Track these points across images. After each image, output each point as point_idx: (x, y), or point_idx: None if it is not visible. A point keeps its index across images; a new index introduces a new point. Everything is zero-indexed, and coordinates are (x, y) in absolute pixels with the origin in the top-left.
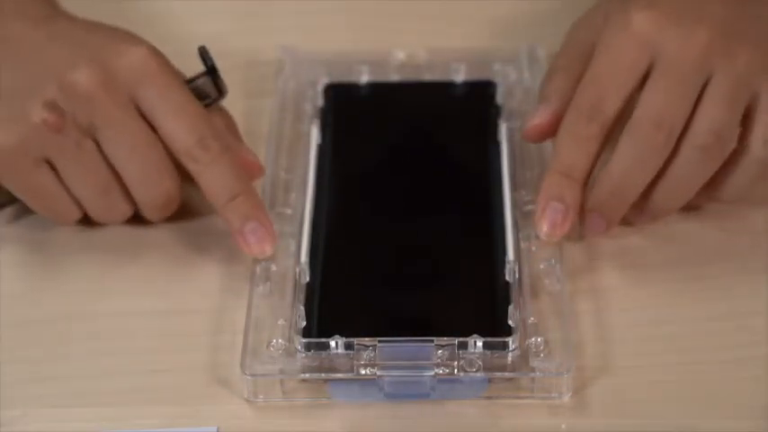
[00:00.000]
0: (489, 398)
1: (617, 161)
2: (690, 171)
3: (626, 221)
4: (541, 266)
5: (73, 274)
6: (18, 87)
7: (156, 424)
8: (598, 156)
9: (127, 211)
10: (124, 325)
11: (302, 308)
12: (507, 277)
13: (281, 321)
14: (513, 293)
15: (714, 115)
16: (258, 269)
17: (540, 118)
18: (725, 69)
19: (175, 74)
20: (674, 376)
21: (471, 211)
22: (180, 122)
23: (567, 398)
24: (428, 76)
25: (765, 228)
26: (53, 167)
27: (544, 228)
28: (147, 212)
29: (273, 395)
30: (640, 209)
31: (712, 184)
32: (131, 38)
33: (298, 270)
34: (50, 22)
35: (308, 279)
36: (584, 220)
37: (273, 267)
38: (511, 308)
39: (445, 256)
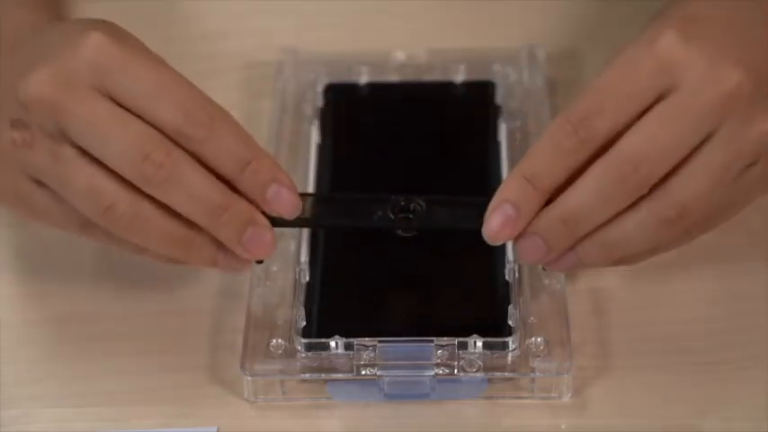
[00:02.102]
0: (489, 398)
1: (578, 190)
2: (637, 234)
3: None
4: (541, 266)
5: (73, 274)
6: None
7: (156, 424)
8: (573, 172)
9: (129, 202)
10: (124, 325)
11: (302, 308)
12: (507, 277)
13: (281, 321)
14: (513, 293)
15: (693, 189)
16: (258, 269)
17: None
18: (734, 130)
19: (139, 51)
20: (674, 376)
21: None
22: (159, 102)
23: (567, 398)
24: (428, 77)
25: (764, 228)
26: (41, 182)
27: (491, 228)
28: (151, 191)
29: (273, 395)
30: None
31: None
32: (84, 28)
33: (298, 270)
34: (26, 32)
35: (308, 279)
36: (523, 238)
37: (273, 267)
38: (511, 308)
39: (445, 256)
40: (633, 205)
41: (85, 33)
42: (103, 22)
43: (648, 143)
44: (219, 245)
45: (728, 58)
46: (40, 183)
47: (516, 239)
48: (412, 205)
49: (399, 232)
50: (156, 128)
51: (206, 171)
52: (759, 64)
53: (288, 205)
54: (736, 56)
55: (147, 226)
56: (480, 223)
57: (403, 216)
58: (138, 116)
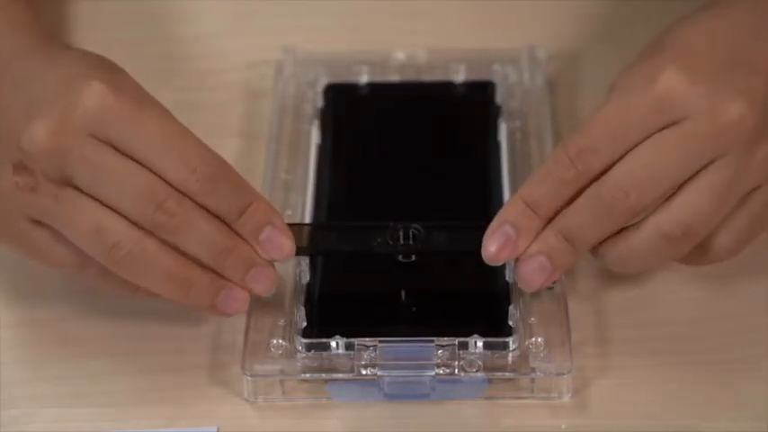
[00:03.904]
0: (489, 398)
1: (574, 210)
2: (643, 250)
3: None
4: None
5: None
6: None
7: (156, 424)
8: (571, 198)
9: (137, 240)
10: (124, 325)
11: (302, 308)
12: (507, 277)
13: (281, 321)
14: (513, 293)
15: (696, 207)
16: None
17: None
18: (737, 157)
19: (140, 102)
20: (674, 376)
21: (471, 211)
22: (163, 157)
23: (567, 398)
24: (428, 77)
25: None
26: (45, 224)
27: (490, 249)
28: (161, 234)
29: (273, 395)
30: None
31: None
32: (84, 75)
33: (298, 270)
34: (21, 60)
35: (308, 279)
36: (526, 262)
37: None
38: (511, 308)
39: (445, 257)
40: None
41: (86, 82)
42: (100, 62)
43: (642, 170)
44: (218, 290)
45: (729, 90)
46: (39, 223)
47: (518, 266)
48: (411, 231)
49: (399, 258)
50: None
51: (212, 217)
52: (762, 92)
53: (278, 249)
54: (737, 88)
55: (151, 265)
56: (479, 246)
57: (403, 243)
58: (144, 165)
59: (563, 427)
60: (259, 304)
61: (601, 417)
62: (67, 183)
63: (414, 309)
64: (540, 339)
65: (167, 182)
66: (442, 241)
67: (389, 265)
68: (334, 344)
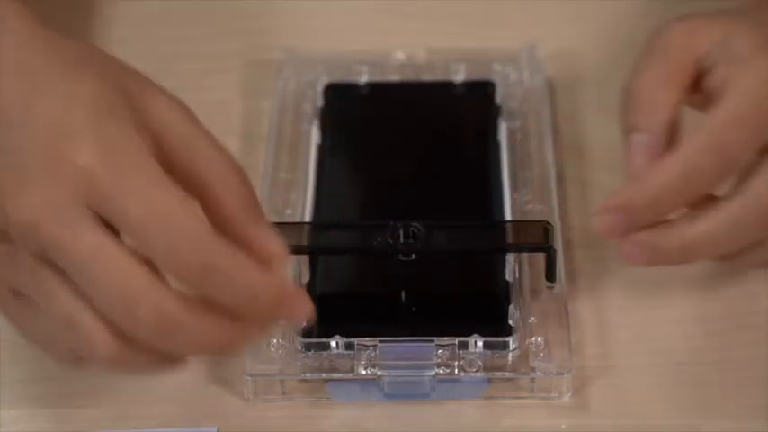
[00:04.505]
0: (489, 398)
1: (709, 222)
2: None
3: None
4: (541, 266)
5: None
6: None
7: (156, 424)
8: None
9: (108, 345)
10: None
11: None
12: (507, 277)
13: (281, 321)
14: (513, 293)
15: None
16: None
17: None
18: None
19: (132, 176)
20: (675, 376)
21: (471, 210)
22: (148, 239)
23: (567, 398)
24: (428, 76)
25: None
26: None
27: (602, 223)
28: (140, 339)
29: (273, 395)
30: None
31: None
32: (73, 131)
33: (298, 270)
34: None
35: (307, 278)
36: (632, 245)
37: None
38: (511, 308)
39: (445, 256)
40: None
41: (75, 146)
42: (92, 91)
43: None
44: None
45: None
46: (19, 292)
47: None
48: (411, 230)
49: (400, 257)
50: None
51: (201, 314)
52: None
53: (301, 317)
54: None
55: (134, 366)
56: (479, 245)
57: (403, 242)
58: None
59: (563, 427)
60: None
61: (601, 417)
62: (47, 260)
63: (414, 308)
64: (540, 339)
65: (156, 266)
66: (442, 240)
67: (389, 264)
68: (333, 344)
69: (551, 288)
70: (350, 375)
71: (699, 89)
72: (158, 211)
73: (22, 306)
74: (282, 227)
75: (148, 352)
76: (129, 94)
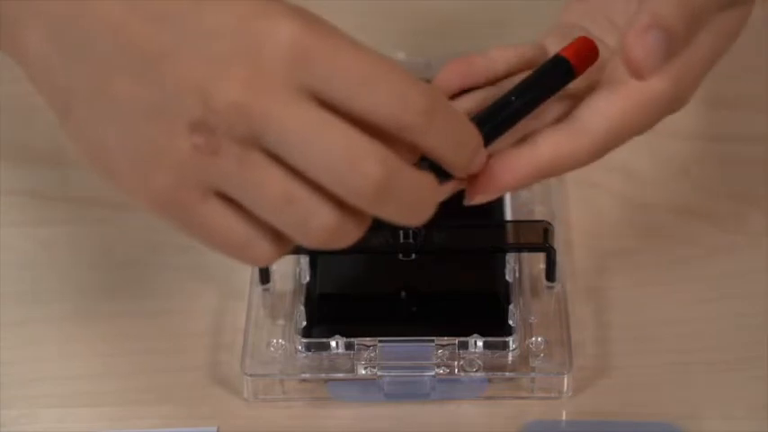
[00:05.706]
0: (489, 398)
1: None
2: None
3: None
4: (541, 266)
5: (73, 273)
6: (145, 108)
7: (156, 424)
8: None
9: (330, 214)
10: (124, 325)
11: (302, 308)
12: (507, 277)
13: (280, 321)
14: (513, 293)
15: None
16: (258, 269)
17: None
18: None
19: (339, 36)
20: (674, 376)
21: (471, 210)
22: (372, 91)
23: (566, 398)
24: (428, 77)
25: (764, 227)
26: (224, 195)
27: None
28: (360, 204)
29: (273, 395)
30: None
31: None
32: (267, 13)
33: (298, 269)
34: None
35: (307, 278)
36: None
37: (273, 267)
38: (511, 308)
39: (445, 255)
40: None
41: (274, 21)
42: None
43: None
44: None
45: None
46: (212, 193)
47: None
48: (411, 230)
49: (400, 256)
50: (370, 122)
51: (416, 171)
52: None
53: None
54: None
55: (345, 240)
56: (479, 245)
57: (403, 241)
58: (348, 112)
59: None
60: (259, 304)
61: (601, 417)
62: (254, 144)
63: (414, 308)
64: (539, 339)
65: (376, 124)
66: (442, 240)
67: (389, 264)
68: (333, 343)
69: (551, 288)
70: (350, 375)
71: None
72: (379, 65)
73: (218, 207)
74: None
75: (361, 221)
76: None
